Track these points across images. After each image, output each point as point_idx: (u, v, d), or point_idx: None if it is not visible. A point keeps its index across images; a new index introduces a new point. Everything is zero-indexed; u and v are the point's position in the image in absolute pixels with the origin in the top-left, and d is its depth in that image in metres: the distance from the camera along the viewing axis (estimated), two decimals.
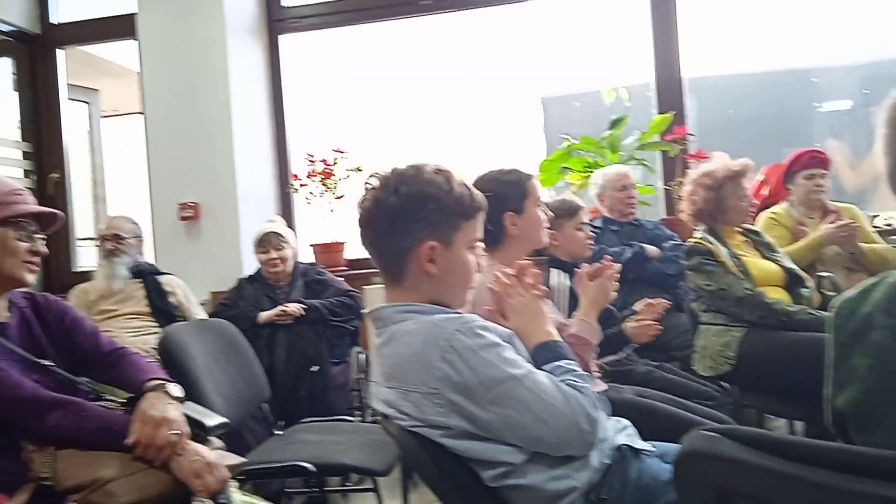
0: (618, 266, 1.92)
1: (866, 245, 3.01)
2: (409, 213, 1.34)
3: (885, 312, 0.90)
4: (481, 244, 1.47)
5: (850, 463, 0.68)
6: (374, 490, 2.61)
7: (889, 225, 3.37)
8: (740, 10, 4.85)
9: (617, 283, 1.90)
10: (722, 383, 2.52)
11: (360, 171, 3.82)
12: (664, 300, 2.26)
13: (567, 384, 1.27)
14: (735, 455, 0.77)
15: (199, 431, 1.63)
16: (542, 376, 1.26)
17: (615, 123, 3.81)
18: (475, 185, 1.43)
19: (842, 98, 5.34)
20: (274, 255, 3.25)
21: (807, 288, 2.63)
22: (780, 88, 5.62)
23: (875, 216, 3.41)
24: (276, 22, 4.35)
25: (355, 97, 5.14)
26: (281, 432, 2.48)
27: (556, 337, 1.41)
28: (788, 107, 5.58)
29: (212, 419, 1.68)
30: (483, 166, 2.04)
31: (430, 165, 1.39)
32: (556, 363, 1.33)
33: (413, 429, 1.28)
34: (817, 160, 3.13)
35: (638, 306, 2.28)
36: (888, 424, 0.87)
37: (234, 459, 1.64)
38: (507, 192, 1.96)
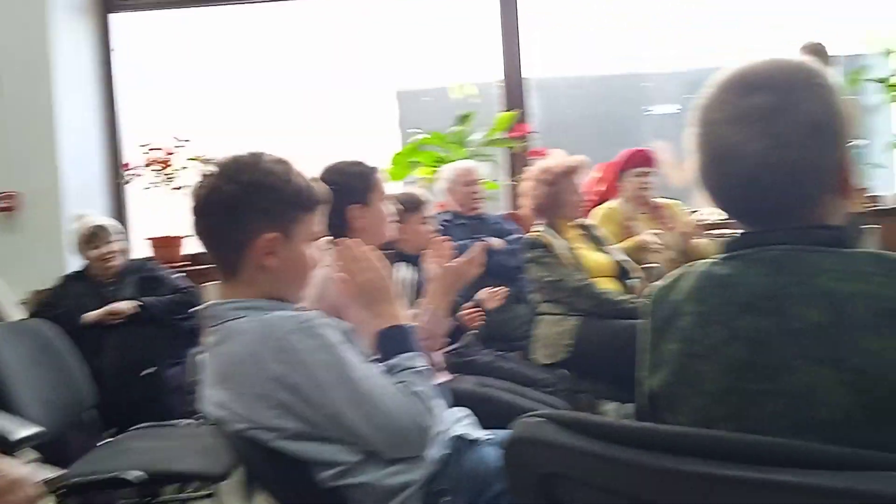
0: (481, 245, 1.93)
1: (688, 243, 3.26)
2: (247, 203, 1.28)
3: (693, 300, 0.97)
4: (323, 238, 1.44)
5: (657, 441, 0.73)
6: (214, 496, 2.50)
7: (707, 220, 3.67)
8: (581, 15, 5.12)
9: (481, 269, 1.89)
10: (559, 370, 2.64)
11: (201, 160, 3.63)
12: (502, 289, 2.36)
13: (404, 386, 1.27)
14: (556, 439, 0.79)
15: (6, 444, 1.48)
16: (378, 379, 1.25)
17: (462, 119, 3.88)
18: (320, 176, 1.39)
19: (669, 102, 5.77)
20: (106, 249, 3.04)
21: (636, 279, 2.82)
22: (616, 92, 6.01)
23: (695, 211, 3.70)
24: None
25: (199, 84, 4.88)
26: (111, 440, 2.31)
27: (403, 321, 1.40)
28: (622, 109, 5.97)
29: (22, 430, 1.53)
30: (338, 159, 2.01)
31: (270, 155, 1.34)
32: (397, 360, 1.32)
33: (246, 432, 1.23)
34: (645, 159, 3.36)
35: (481, 295, 2.36)
36: (692, 404, 0.93)
37: (51, 472, 1.50)
38: (351, 184, 1.93)
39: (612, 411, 2.87)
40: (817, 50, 3.31)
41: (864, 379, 0.82)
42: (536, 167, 2.88)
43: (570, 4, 5.05)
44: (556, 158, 2.85)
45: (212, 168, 1.33)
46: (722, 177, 0.97)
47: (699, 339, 0.93)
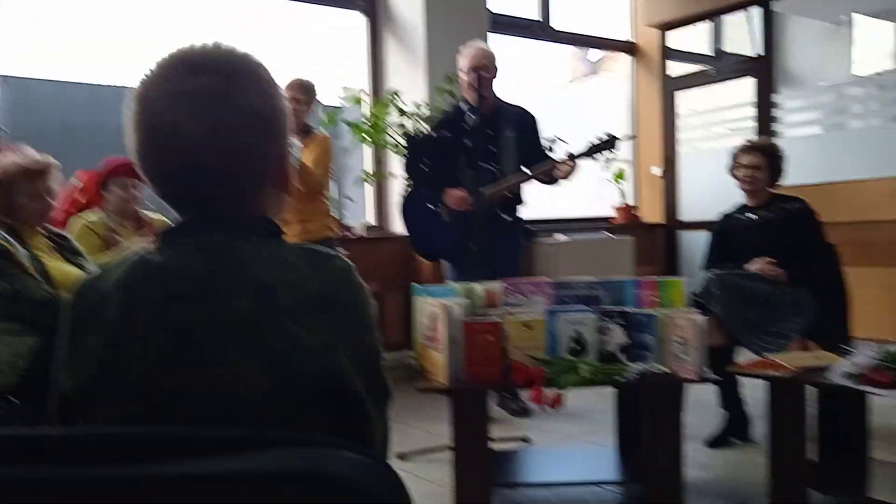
0: None
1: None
2: None
3: (121, 288, 0.88)
4: None
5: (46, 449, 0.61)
6: None
7: None
8: (65, 22, 4.70)
9: None
10: (9, 399, 2.24)
11: None
12: None
13: None
14: None
15: None
16: None
17: None
18: None
19: None
20: None
21: None
22: (104, 102, 5.77)
23: None
24: None
25: None
26: None
27: None
28: (110, 120, 5.73)
29: None
30: None
31: None
32: None
33: None
34: (131, 170, 3.14)
35: None
36: (113, 402, 0.84)
37: None
38: None
39: None
40: (305, 86, 3.58)
41: (283, 365, 0.83)
42: None
43: (56, 10, 4.60)
44: (16, 156, 2.46)
45: None
46: (160, 159, 0.91)
47: (125, 330, 0.85)
